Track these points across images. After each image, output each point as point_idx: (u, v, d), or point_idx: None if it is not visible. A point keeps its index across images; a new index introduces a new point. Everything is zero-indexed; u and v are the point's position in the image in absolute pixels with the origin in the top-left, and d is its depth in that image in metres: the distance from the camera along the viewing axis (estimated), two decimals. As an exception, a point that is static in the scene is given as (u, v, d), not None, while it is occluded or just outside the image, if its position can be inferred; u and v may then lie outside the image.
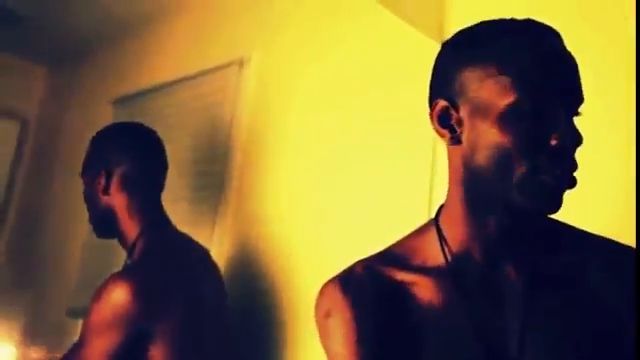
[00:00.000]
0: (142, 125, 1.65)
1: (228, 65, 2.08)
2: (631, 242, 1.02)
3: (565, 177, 0.80)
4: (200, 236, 1.89)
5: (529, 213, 0.82)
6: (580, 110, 0.84)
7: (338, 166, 1.69)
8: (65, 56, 3.00)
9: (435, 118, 0.87)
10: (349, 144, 1.68)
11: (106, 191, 1.54)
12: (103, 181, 1.53)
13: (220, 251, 1.90)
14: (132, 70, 2.61)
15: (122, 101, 2.52)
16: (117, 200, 1.53)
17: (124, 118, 2.37)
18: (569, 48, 0.85)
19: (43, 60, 3.12)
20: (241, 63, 2.05)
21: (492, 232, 0.85)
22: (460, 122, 0.84)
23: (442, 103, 0.86)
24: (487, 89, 0.81)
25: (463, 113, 0.84)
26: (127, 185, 1.54)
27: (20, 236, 2.96)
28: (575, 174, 0.81)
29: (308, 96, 1.84)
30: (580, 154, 0.82)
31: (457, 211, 0.87)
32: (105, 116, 2.46)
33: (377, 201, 1.56)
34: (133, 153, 1.56)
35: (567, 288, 0.84)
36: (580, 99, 0.83)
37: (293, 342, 1.64)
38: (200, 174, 2.08)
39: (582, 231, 0.91)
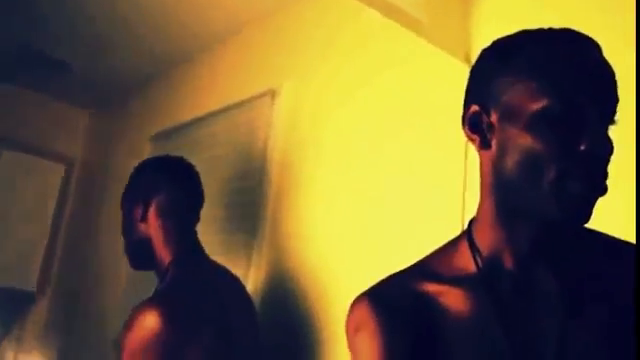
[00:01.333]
0: (179, 157, 1.70)
1: (261, 96, 2.11)
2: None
3: (594, 185, 0.78)
4: (236, 266, 1.91)
5: (558, 223, 0.79)
6: (616, 119, 0.82)
7: (371, 191, 1.69)
8: (108, 99, 3.10)
9: (466, 122, 0.86)
10: (381, 169, 1.68)
11: (143, 219, 1.57)
12: (140, 210, 1.57)
13: (256, 280, 1.91)
14: (169, 107, 2.67)
15: (160, 137, 2.58)
16: (153, 228, 1.57)
17: (161, 153, 2.42)
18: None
19: (88, 104, 3.22)
20: (273, 94, 2.08)
21: (523, 240, 0.83)
22: (491, 127, 0.84)
23: (474, 108, 0.86)
24: (518, 93, 0.80)
25: (494, 118, 0.83)
26: (163, 214, 1.57)
27: (68, 270, 3.03)
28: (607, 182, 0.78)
29: (340, 125, 1.85)
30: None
31: (488, 219, 0.86)
32: (145, 153, 2.52)
33: (410, 220, 1.56)
34: (170, 183, 1.60)
35: (606, 300, 0.81)
36: (614, 107, 0.81)
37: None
38: (235, 205, 2.11)
39: (619, 240, 0.88)
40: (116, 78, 2.87)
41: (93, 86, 2.99)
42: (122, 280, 2.49)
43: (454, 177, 1.48)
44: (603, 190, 0.79)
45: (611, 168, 1.09)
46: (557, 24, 1.36)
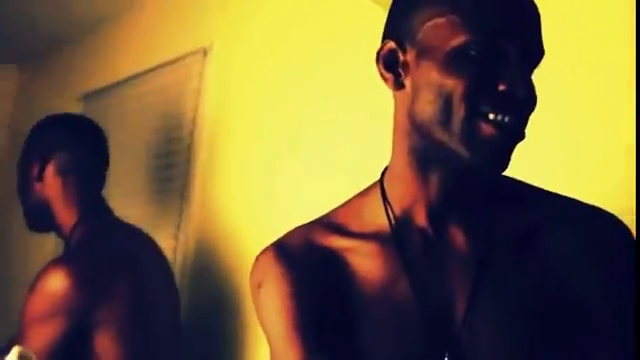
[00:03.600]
0: (80, 116, 1.64)
1: (192, 54, 2.05)
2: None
3: (511, 129, 0.73)
4: (164, 228, 1.88)
5: (473, 169, 0.75)
6: (539, 64, 0.77)
7: (305, 151, 1.67)
8: (32, 55, 2.98)
9: (380, 60, 0.80)
10: (315, 128, 1.66)
11: (40, 179, 1.50)
12: (37, 169, 1.50)
13: (186, 245, 1.88)
14: (101, 66, 2.59)
15: (90, 97, 2.50)
16: (52, 188, 1.50)
17: (92, 113, 2.35)
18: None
19: (12, 59, 3.10)
20: (205, 52, 2.02)
21: (436, 191, 0.79)
22: (406, 65, 0.78)
23: (389, 45, 0.80)
24: (436, 29, 0.75)
25: (410, 56, 0.78)
26: (63, 173, 1.50)
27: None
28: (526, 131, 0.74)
29: (273, 84, 1.81)
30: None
31: (401, 168, 0.81)
32: (75, 112, 2.44)
33: (345, 181, 1.54)
34: (70, 141, 1.52)
35: (520, 254, 0.78)
36: (538, 52, 0.77)
37: (249, 331, 1.63)
38: (163, 166, 2.07)
39: (541, 190, 0.84)
40: (39, 34, 2.76)
41: (18, 44, 2.87)
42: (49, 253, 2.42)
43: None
44: (521, 135, 0.75)
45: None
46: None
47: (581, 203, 0.83)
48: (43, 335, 1.24)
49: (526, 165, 1.14)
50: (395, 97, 0.82)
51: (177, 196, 1.97)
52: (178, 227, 1.92)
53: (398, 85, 0.79)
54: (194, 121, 1.99)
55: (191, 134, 1.99)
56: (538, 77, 0.78)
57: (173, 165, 2.04)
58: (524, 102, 0.74)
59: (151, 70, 2.21)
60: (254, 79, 1.89)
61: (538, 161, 1.18)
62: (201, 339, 1.74)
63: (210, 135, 1.96)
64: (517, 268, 0.78)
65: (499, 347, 0.75)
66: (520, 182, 0.85)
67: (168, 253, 1.71)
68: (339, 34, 1.66)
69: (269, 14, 1.89)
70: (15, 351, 0.67)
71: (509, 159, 0.75)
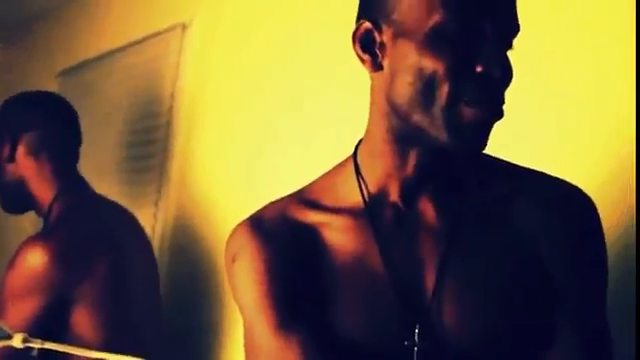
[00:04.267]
0: (50, 93, 1.62)
1: (171, 29, 2.03)
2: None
3: (489, 109, 0.74)
4: (143, 205, 1.87)
5: (451, 151, 0.77)
6: (514, 43, 0.77)
7: (284, 128, 1.66)
8: (7, 31, 2.94)
9: (357, 41, 0.79)
10: (295, 105, 1.65)
11: (11, 159, 1.48)
12: (8, 150, 1.48)
13: (164, 222, 1.88)
14: (77, 41, 2.56)
15: (67, 73, 2.47)
16: (25, 167, 1.48)
17: (69, 90, 2.32)
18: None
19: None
20: (183, 27, 2.01)
21: (412, 168, 0.80)
22: (383, 46, 0.77)
23: (365, 25, 0.78)
24: (412, 7, 0.74)
25: (386, 36, 0.77)
26: (35, 151, 1.49)
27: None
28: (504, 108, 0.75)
29: (253, 60, 1.80)
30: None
31: (378, 145, 0.81)
32: (51, 88, 2.41)
33: (327, 156, 1.55)
34: (40, 120, 1.50)
35: (489, 228, 0.80)
36: (513, 28, 0.76)
37: (226, 306, 1.64)
38: (142, 143, 2.06)
39: (511, 165, 0.86)
40: (19, 13, 2.71)
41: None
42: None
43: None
44: (499, 114, 0.76)
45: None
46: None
47: (548, 176, 0.84)
48: (22, 311, 1.24)
49: (528, 153, 1.15)
50: (372, 78, 0.81)
51: (156, 173, 1.97)
52: (156, 204, 1.92)
53: (376, 66, 0.79)
54: (173, 97, 1.98)
55: (170, 110, 1.98)
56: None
57: (151, 141, 2.02)
58: (500, 81, 0.74)
59: (130, 45, 2.18)
60: (233, 55, 1.87)
61: (536, 147, 1.19)
62: (179, 314, 1.74)
63: (189, 111, 1.95)
64: (485, 240, 0.79)
65: (468, 317, 0.77)
66: (490, 156, 0.85)
67: (147, 230, 1.71)
68: (321, 10, 1.65)
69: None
70: (-9, 325, 0.67)
71: (487, 139, 0.76)
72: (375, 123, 0.82)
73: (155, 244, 1.81)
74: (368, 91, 0.83)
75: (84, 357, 1.30)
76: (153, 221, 1.89)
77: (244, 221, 0.85)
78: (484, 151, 0.79)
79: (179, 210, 1.89)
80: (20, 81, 2.82)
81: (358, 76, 0.89)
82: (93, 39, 2.44)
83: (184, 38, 2.00)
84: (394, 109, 0.78)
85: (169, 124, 1.97)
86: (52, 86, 2.46)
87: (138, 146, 2.08)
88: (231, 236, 0.85)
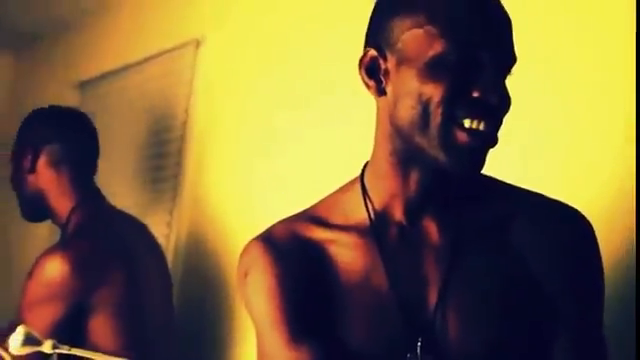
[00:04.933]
0: (72, 108, 1.68)
1: (184, 46, 2.09)
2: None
3: (484, 135, 0.78)
4: (157, 216, 1.91)
5: (448, 172, 0.80)
6: (512, 71, 0.81)
7: (298, 146, 1.70)
8: (29, 41, 3.00)
9: (363, 68, 0.84)
10: (308, 124, 1.69)
11: (32, 171, 1.54)
12: (29, 162, 1.54)
13: (178, 235, 1.93)
14: (96, 53, 2.61)
15: (87, 84, 2.53)
16: (44, 178, 1.54)
17: (88, 101, 2.39)
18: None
19: (10, 50, 3.11)
20: (197, 44, 2.06)
21: (414, 189, 0.84)
22: (387, 73, 0.82)
23: (371, 53, 0.84)
24: (414, 38, 0.79)
25: (391, 63, 0.82)
26: (54, 163, 1.55)
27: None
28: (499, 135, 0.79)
29: (266, 77, 1.84)
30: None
31: (383, 167, 0.85)
32: (71, 102, 2.47)
33: (341, 175, 1.58)
34: (61, 133, 1.57)
35: (489, 246, 0.84)
36: (511, 59, 0.81)
37: (238, 315, 1.68)
38: (156, 156, 2.11)
39: (511, 186, 0.90)
40: (40, 24, 2.78)
41: (14, 30, 2.89)
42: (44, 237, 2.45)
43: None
44: (493, 141, 0.80)
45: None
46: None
47: (546, 198, 0.88)
48: (42, 319, 1.29)
49: (521, 165, 1.17)
50: (377, 102, 0.86)
51: (169, 184, 2.02)
52: (171, 214, 1.97)
53: (380, 92, 0.84)
54: (186, 111, 2.03)
55: (183, 124, 2.03)
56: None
57: (165, 154, 2.08)
58: (497, 108, 0.79)
59: (145, 60, 2.24)
60: (245, 70, 1.92)
61: (534, 160, 1.21)
62: (192, 323, 1.78)
63: (202, 125, 2.00)
64: (485, 258, 0.83)
65: (469, 332, 0.81)
66: (491, 178, 0.90)
67: (161, 240, 1.76)
68: (332, 26, 1.69)
69: (261, 5, 1.91)
70: (21, 330, 0.72)
71: (483, 162, 0.81)
72: (380, 145, 0.86)
73: (169, 255, 1.86)
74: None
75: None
76: (167, 230, 1.94)
77: (256, 238, 0.89)
78: (483, 172, 0.83)
79: (192, 222, 1.94)
80: (39, 91, 2.89)
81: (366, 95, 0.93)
82: (111, 52, 2.49)
83: (197, 54, 2.05)
84: (397, 131, 0.82)
85: (182, 138, 2.02)
86: (71, 96, 2.52)
87: (153, 158, 2.13)
88: (243, 252, 0.89)
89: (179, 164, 2.01)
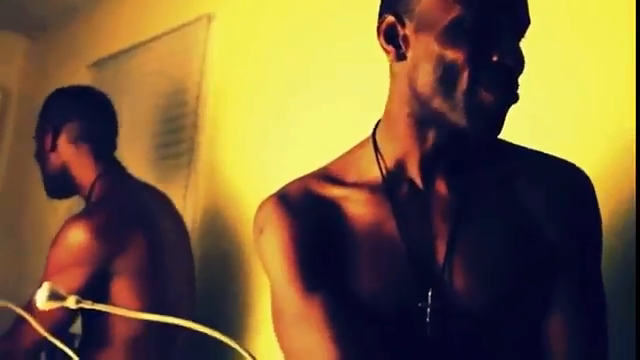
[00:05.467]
0: (88, 86, 1.71)
1: (196, 21, 2.11)
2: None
3: (506, 93, 0.81)
4: (173, 189, 1.94)
5: (469, 134, 0.83)
6: (526, 34, 0.84)
7: (310, 117, 1.71)
8: (45, 24, 3.03)
9: (381, 34, 0.86)
10: (321, 94, 1.70)
11: (53, 149, 1.58)
12: (50, 140, 1.58)
13: (194, 208, 1.97)
14: (108, 34, 2.63)
15: (99, 65, 2.56)
16: (67, 154, 1.58)
17: (101, 81, 2.42)
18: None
19: (24, 31, 3.14)
20: (209, 18, 2.08)
21: (429, 149, 0.87)
22: (406, 39, 0.84)
23: (389, 19, 0.85)
24: (432, 4, 0.81)
25: (409, 29, 0.84)
26: (75, 140, 1.58)
27: (6, 206, 3.00)
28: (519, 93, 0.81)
29: (278, 51, 1.85)
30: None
31: (399, 127, 0.87)
32: (85, 81, 2.50)
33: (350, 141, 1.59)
34: (80, 111, 1.60)
35: (496, 204, 0.87)
36: (525, 21, 0.83)
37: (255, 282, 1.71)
38: (171, 130, 2.14)
39: (515, 146, 0.93)
40: (54, 6, 2.81)
41: (28, 11, 2.92)
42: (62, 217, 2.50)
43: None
44: (515, 98, 0.82)
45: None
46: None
47: (547, 155, 0.92)
48: (67, 283, 1.32)
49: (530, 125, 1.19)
50: (394, 67, 0.88)
51: (185, 158, 2.05)
52: (186, 188, 2.00)
53: (400, 57, 0.85)
54: (199, 85, 2.06)
55: (197, 98, 2.06)
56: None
57: (180, 128, 2.11)
58: (515, 70, 0.81)
59: (158, 37, 2.26)
60: (257, 43, 1.93)
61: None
62: (211, 292, 1.82)
63: (215, 98, 2.02)
64: (492, 215, 0.87)
65: (476, 283, 0.84)
66: (496, 139, 0.91)
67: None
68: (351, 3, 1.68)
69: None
70: (46, 286, 0.75)
71: (503, 122, 0.83)
72: (396, 107, 0.88)
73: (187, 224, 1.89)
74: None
75: (125, 326, 1.40)
76: (183, 203, 1.97)
77: (270, 196, 0.91)
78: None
79: (208, 194, 1.97)
80: (54, 71, 2.93)
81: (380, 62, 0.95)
82: (123, 31, 2.52)
83: (209, 29, 2.07)
84: (416, 95, 0.84)
85: (196, 113, 2.05)
86: (85, 77, 2.55)
87: (168, 133, 2.16)
88: (258, 210, 0.91)
89: (193, 138, 2.04)
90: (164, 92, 2.20)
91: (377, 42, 0.88)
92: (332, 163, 0.95)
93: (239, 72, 1.98)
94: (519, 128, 0.97)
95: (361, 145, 0.94)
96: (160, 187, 1.74)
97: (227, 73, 2.02)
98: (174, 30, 2.20)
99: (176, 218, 1.66)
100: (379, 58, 0.92)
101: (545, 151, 0.93)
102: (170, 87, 2.18)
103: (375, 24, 0.88)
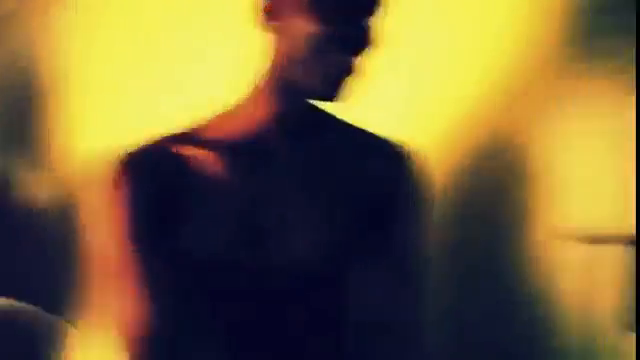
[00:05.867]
0: None
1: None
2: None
3: (348, 66, 0.89)
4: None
5: (318, 98, 0.92)
6: (376, 11, 0.91)
7: (159, 75, 1.66)
8: None
9: (261, 11, 0.92)
10: (169, 53, 1.65)
11: None
12: None
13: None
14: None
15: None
16: None
17: None
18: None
19: None
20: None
21: (282, 110, 0.94)
22: (271, 12, 0.92)
23: None
24: None
25: (275, 4, 0.91)
26: None
27: None
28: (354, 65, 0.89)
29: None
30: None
31: (264, 94, 0.95)
32: None
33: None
34: None
35: (328, 170, 0.97)
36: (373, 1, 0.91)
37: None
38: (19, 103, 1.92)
39: (339, 120, 1.02)
40: None
41: None
42: None
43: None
44: (349, 69, 0.90)
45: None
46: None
47: (367, 132, 1.03)
48: None
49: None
50: (267, 39, 0.94)
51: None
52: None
53: (269, 29, 0.93)
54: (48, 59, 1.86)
55: (47, 71, 1.86)
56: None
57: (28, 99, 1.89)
58: (359, 43, 0.90)
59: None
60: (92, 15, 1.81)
61: None
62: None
63: (63, 71, 1.86)
64: (324, 179, 0.97)
65: (304, 236, 0.94)
66: (326, 112, 1.02)
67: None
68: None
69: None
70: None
71: (338, 89, 0.91)
72: (261, 76, 0.95)
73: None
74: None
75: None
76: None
77: (122, 154, 0.93)
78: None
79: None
80: None
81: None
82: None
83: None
84: (284, 65, 0.92)
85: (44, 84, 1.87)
86: None
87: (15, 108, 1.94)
88: (100, 171, 0.93)
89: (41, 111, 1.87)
90: (11, 66, 1.96)
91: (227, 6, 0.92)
92: (192, 125, 0.99)
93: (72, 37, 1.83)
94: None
95: (224, 110, 0.99)
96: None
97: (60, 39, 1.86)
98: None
99: None
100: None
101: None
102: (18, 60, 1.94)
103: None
